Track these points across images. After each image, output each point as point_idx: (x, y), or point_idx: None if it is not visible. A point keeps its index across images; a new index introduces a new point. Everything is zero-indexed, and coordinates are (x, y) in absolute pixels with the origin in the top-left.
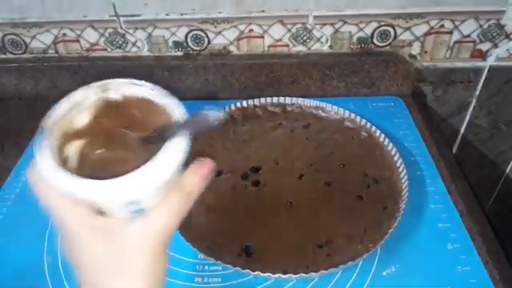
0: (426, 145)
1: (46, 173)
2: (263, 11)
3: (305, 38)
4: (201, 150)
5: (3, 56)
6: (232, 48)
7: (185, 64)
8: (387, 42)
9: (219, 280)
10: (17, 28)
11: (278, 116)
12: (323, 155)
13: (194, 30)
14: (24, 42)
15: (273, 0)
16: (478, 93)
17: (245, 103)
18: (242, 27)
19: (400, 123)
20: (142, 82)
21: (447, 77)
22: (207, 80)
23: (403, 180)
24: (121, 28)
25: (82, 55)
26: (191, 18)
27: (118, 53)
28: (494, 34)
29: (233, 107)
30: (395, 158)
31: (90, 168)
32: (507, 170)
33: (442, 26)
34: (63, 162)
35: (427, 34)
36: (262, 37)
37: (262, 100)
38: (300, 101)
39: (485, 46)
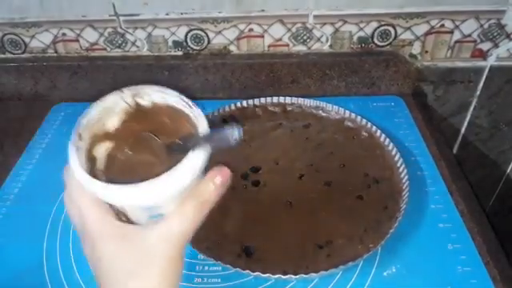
0: (426, 145)
1: (79, 176)
2: (263, 11)
3: (305, 37)
4: None
5: (2, 56)
6: (232, 48)
7: (185, 64)
8: (388, 42)
9: (219, 280)
10: (16, 28)
11: (278, 116)
12: (323, 155)
13: (194, 29)
14: (23, 41)
15: None
16: (478, 93)
17: (245, 103)
18: (241, 27)
19: (400, 123)
20: (170, 91)
21: (448, 76)
22: (207, 80)
23: (404, 180)
24: (120, 27)
25: (81, 55)
26: (191, 18)
27: (117, 52)
28: (495, 34)
29: (233, 107)
30: (396, 158)
31: (117, 170)
32: (508, 170)
33: (443, 25)
34: (91, 163)
35: (428, 33)
36: (262, 36)
37: (262, 100)
38: (300, 100)
39: (485, 46)
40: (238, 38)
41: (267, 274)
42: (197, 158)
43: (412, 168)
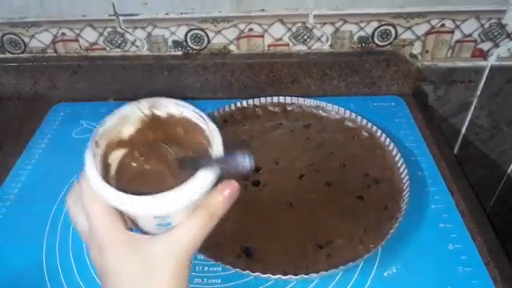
0: (426, 145)
1: (93, 182)
2: (263, 10)
3: (305, 37)
4: None
5: (2, 55)
6: (232, 47)
7: (184, 63)
8: (388, 42)
9: (219, 281)
10: (16, 27)
11: (278, 116)
12: (323, 155)
13: (194, 29)
14: (23, 41)
15: None
16: (479, 92)
17: (245, 103)
18: (241, 26)
19: (401, 123)
20: (186, 104)
21: (448, 76)
22: (207, 79)
23: (404, 180)
24: (120, 27)
25: (81, 55)
26: (191, 18)
27: (117, 52)
28: (495, 34)
29: (233, 107)
30: (396, 158)
31: (128, 177)
32: (508, 170)
33: (443, 25)
34: (106, 170)
35: (428, 33)
36: (262, 36)
37: (262, 100)
38: (300, 100)
39: (486, 46)
40: (238, 38)
41: (267, 275)
42: (209, 175)
43: (412, 168)
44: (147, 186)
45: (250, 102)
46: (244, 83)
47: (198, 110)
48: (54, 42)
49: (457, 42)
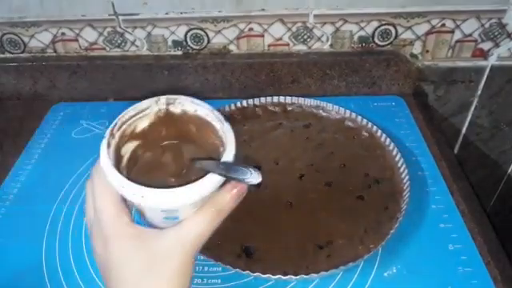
0: (427, 145)
1: (105, 171)
2: (263, 10)
3: (305, 36)
4: None
5: (2, 55)
6: (232, 47)
7: (184, 63)
8: (388, 41)
9: (219, 281)
10: (15, 27)
11: (278, 116)
12: (324, 155)
13: (194, 28)
14: (22, 41)
15: None
16: (479, 92)
17: (245, 103)
18: (241, 26)
19: (401, 123)
20: (204, 104)
21: (448, 76)
22: (207, 79)
23: (404, 180)
24: (120, 27)
25: (80, 54)
26: (191, 17)
27: (116, 52)
28: (496, 34)
29: (233, 107)
30: (396, 158)
31: (137, 169)
32: (509, 170)
33: (444, 25)
34: (119, 161)
35: (428, 33)
36: (262, 36)
37: (262, 99)
38: (300, 100)
39: (486, 46)
40: (238, 38)
41: (267, 275)
42: (214, 179)
43: (413, 168)
44: (156, 179)
45: (250, 101)
46: (244, 83)
47: (215, 110)
48: (53, 42)
49: (457, 41)
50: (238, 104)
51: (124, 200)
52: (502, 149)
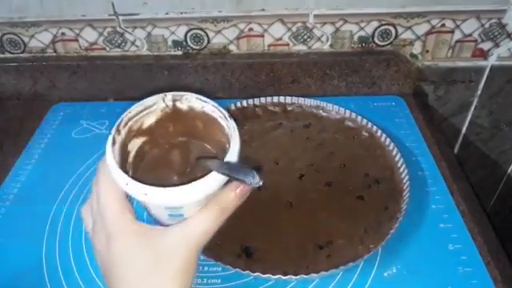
0: (427, 145)
1: (110, 168)
2: (263, 10)
3: (305, 37)
4: None
5: (2, 55)
6: (232, 47)
7: (184, 63)
8: (388, 41)
9: (219, 281)
10: (15, 27)
11: (278, 116)
12: (324, 155)
13: (194, 29)
14: (22, 41)
15: None
16: (479, 92)
17: (245, 103)
18: (241, 26)
19: (401, 123)
20: (210, 101)
21: (448, 76)
22: (207, 79)
23: (404, 180)
24: (120, 27)
25: (80, 54)
26: (191, 17)
27: (116, 52)
28: (496, 34)
29: (233, 107)
30: (396, 158)
31: (144, 165)
32: (509, 170)
33: (444, 25)
34: (125, 157)
35: (428, 33)
36: (262, 36)
37: (262, 99)
38: (300, 100)
39: (486, 46)
40: (238, 38)
41: (267, 275)
42: (219, 177)
43: (413, 168)
44: (162, 176)
45: (250, 101)
46: (244, 83)
47: (220, 107)
48: (53, 42)
49: (457, 41)
50: (238, 104)
51: (128, 198)
52: (502, 149)
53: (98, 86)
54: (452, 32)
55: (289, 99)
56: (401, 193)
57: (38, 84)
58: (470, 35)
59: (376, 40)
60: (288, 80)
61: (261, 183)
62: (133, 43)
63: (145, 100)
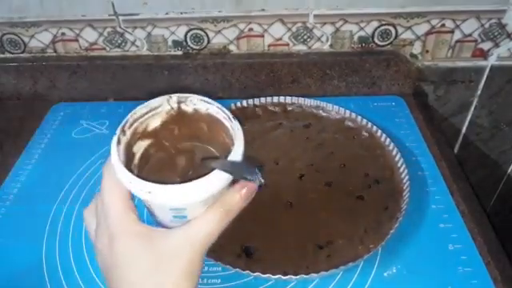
0: (427, 145)
1: (114, 167)
2: (263, 10)
3: (305, 37)
4: None
5: (2, 55)
6: (232, 47)
7: (184, 63)
8: (388, 41)
9: (219, 281)
10: (15, 27)
11: (278, 116)
12: (324, 155)
13: (194, 29)
14: (22, 41)
15: None
16: (479, 92)
17: (245, 103)
18: (241, 26)
19: (401, 123)
20: (214, 102)
21: (448, 76)
22: (207, 79)
23: (404, 180)
24: (120, 27)
25: (80, 54)
26: (191, 17)
27: (116, 52)
28: (496, 34)
29: (233, 107)
30: (396, 158)
31: (149, 167)
32: (509, 170)
33: (443, 25)
34: (130, 159)
35: (428, 33)
36: (262, 36)
37: (262, 99)
38: (300, 100)
39: (486, 46)
40: (238, 38)
41: (267, 275)
42: (223, 176)
43: (413, 168)
44: (166, 178)
45: (250, 101)
46: (244, 83)
47: (224, 108)
48: (53, 42)
49: (457, 41)
50: (238, 104)
51: (133, 198)
52: (502, 149)
53: (98, 86)
54: (452, 32)
55: (289, 99)
56: (401, 193)
57: (38, 84)
58: (470, 35)
59: (376, 40)
60: (288, 80)
61: (262, 181)
62: (133, 43)
63: (149, 102)
